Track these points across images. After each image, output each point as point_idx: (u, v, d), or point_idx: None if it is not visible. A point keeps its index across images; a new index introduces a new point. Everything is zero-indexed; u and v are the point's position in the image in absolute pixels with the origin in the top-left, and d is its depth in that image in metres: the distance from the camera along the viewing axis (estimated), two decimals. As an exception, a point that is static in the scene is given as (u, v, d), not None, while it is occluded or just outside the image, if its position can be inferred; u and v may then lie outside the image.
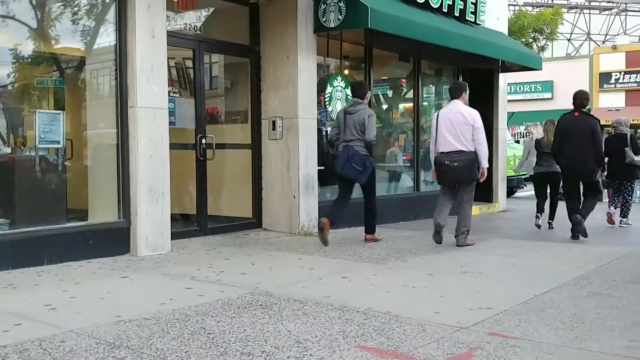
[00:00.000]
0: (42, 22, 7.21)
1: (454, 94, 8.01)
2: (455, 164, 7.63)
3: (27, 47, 7.28)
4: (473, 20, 11.53)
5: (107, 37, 7.28)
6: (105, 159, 7.35)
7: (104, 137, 7.46)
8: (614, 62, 34.37)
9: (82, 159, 7.53)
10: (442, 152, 7.75)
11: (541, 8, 30.10)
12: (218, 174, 9.23)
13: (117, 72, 7.11)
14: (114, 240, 7.00)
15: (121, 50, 7.08)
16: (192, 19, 8.65)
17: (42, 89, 7.73)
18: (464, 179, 7.75)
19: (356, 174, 7.83)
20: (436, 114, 8.11)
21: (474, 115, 7.76)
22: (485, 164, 7.76)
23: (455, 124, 7.65)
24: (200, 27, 8.66)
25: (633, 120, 32.46)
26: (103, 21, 7.37)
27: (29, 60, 7.45)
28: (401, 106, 13.00)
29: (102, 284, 5.71)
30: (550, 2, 30.52)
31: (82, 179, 7.49)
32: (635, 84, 33.71)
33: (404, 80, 12.59)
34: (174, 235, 7.51)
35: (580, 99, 8.68)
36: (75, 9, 7.35)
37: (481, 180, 7.92)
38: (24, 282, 5.67)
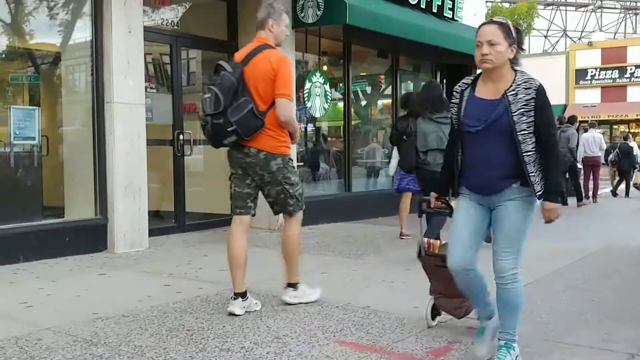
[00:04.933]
0: (17, 17, 7.12)
1: (592, 127, 14.77)
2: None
3: (1, 43, 7.18)
4: (451, 16, 11.59)
5: (83, 33, 7.21)
6: (81, 155, 7.28)
7: (80, 133, 7.39)
8: (590, 59, 34.76)
9: (58, 156, 7.46)
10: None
11: (516, 2, 30.28)
12: (196, 170, 9.19)
13: (94, 68, 7.05)
14: (91, 237, 6.94)
15: (97, 46, 7.01)
16: (170, 14, 8.60)
17: (17, 85, 7.64)
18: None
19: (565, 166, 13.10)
20: (582, 135, 14.21)
21: (602, 137, 14.79)
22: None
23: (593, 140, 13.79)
24: (178, 23, 8.61)
25: (608, 117, 33.02)
26: (79, 16, 7.30)
27: (4, 55, 7.35)
28: (380, 102, 13.04)
29: (79, 281, 5.66)
30: (526, -2, 30.84)
31: (58, 175, 7.41)
32: (611, 80, 34.13)
33: (382, 77, 12.62)
34: (152, 232, 7.46)
35: None
36: (51, 3, 7.28)
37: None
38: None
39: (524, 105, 3.26)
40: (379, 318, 4.37)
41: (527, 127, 3.25)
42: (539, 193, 3.30)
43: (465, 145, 3.44)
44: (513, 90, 3.29)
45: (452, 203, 3.64)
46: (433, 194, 3.74)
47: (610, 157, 16.86)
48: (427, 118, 6.56)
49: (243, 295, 4.50)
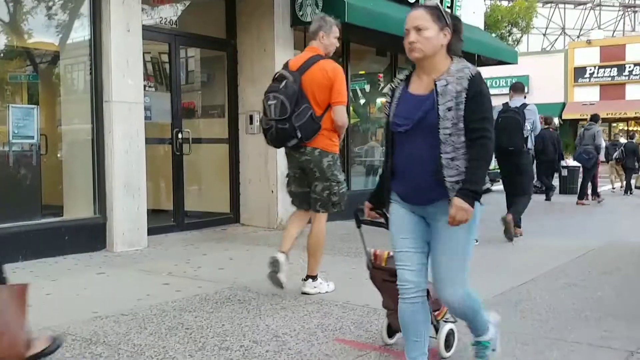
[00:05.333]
0: (15, 16, 7.11)
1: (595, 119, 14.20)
2: None
3: (0, 42, 7.18)
4: (449, 14, 11.58)
5: (81, 32, 7.21)
6: (80, 154, 7.28)
7: (79, 132, 7.39)
8: (589, 57, 34.76)
9: (56, 154, 7.46)
10: None
11: (515, 0, 30.28)
12: (195, 168, 9.18)
13: (92, 67, 7.04)
14: (90, 236, 6.94)
15: (96, 45, 7.01)
16: (168, 13, 8.59)
17: (16, 83, 7.64)
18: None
19: (586, 161, 13.45)
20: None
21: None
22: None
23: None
24: (176, 21, 8.60)
25: (607, 115, 33.03)
26: (77, 15, 7.29)
27: (2, 55, 7.35)
28: (379, 101, 13.02)
29: (78, 280, 5.66)
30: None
31: (56, 174, 7.41)
32: (610, 78, 34.13)
33: (381, 75, 12.61)
34: (151, 231, 7.46)
35: None
36: (50, 3, 7.27)
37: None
38: (-2, 279, 5.59)
39: (453, 97, 2.77)
40: (378, 316, 4.37)
41: (454, 125, 2.77)
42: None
43: (396, 147, 2.96)
44: (444, 81, 2.81)
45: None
46: (367, 204, 3.25)
47: (615, 154, 16.93)
48: None
49: (286, 255, 4.89)
